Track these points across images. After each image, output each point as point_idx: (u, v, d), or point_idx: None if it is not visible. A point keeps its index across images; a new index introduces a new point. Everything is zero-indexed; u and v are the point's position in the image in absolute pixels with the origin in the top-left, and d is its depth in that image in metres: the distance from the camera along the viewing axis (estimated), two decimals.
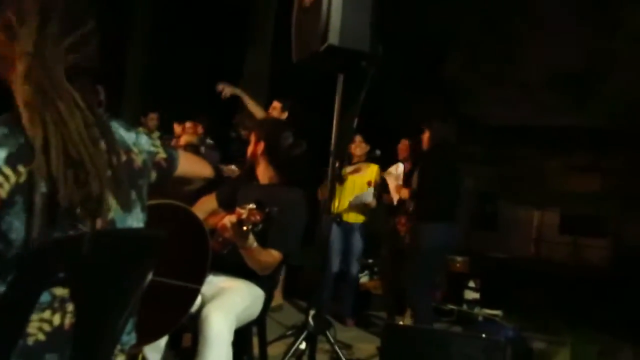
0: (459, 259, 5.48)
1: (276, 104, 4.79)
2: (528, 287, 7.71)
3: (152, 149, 1.35)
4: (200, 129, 5.64)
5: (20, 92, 1.08)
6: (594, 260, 16.02)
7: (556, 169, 16.43)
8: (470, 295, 5.20)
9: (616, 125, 12.06)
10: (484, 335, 2.73)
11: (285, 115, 4.67)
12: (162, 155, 1.38)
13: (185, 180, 1.53)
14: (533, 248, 18.96)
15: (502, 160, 15.43)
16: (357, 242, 4.72)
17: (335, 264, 4.63)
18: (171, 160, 1.41)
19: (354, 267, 4.76)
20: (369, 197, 4.63)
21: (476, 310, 5.05)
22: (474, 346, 2.60)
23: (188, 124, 5.71)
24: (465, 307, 5.08)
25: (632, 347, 4.47)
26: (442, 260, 4.52)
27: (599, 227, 17.01)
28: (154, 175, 1.34)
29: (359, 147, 4.72)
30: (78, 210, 1.09)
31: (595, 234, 17.13)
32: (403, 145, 4.92)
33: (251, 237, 2.10)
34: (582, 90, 12.16)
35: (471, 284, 5.25)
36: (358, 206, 4.68)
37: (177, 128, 5.89)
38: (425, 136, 4.07)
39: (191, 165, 1.53)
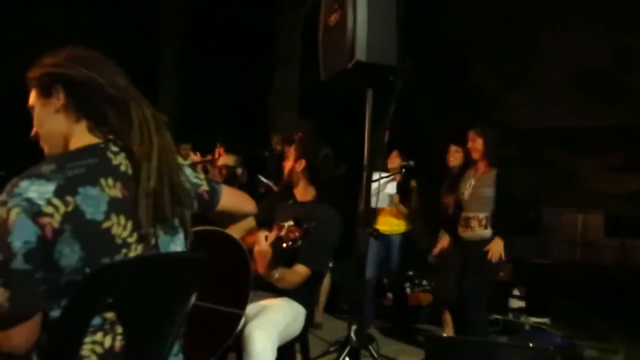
0: None
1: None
2: (576, 293, 7.47)
3: (195, 180, 1.44)
4: (221, 150, 5.69)
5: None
6: None
7: (594, 170, 16.01)
8: (515, 303, 5.07)
9: None
10: (531, 345, 2.67)
11: None
12: (204, 187, 1.47)
13: (228, 214, 1.59)
14: (579, 252, 18.38)
15: (537, 163, 15.16)
16: (395, 254, 4.71)
17: (368, 273, 4.56)
18: (213, 193, 1.49)
19: (393, 278, 4.76)
20: (392, 189, 4.59)
21: (522, 318, 4.92)
22: (522, 356, 2.54)
23: (221, 148, 5.79)
24: (510, 316, 4.96)
25: None
26: None
27: None
28: (196, 205, 1.41)
29: (394, 161, 4.70)
30: (131, 236, 1.15)
31: None
32: (456, 152, 4.50)
33: (274, 271, 2.20)
34: (611, 88, 11.85)
35: (516, 292, 5.12)
36: (392, 209, 4.68)
37: (195, 156, 5.99)
38: (476, 144, 3.76)
39: (234, 201, 1.60)
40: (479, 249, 3.62)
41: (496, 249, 3.57)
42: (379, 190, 4.34)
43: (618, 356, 4.23)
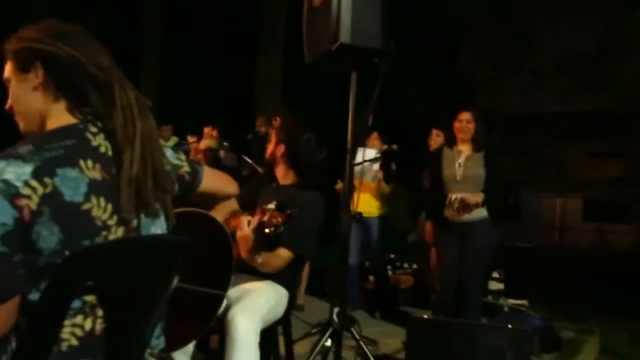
0: None
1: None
2: (553, 276, 7.62)
3: (176, 162, 1.42)
4: (215, 134, 5.71)
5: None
6: (620, 246, 15.75)
7: (576, 156, 16.25)
8: (495, 285, 5.15)
9: (634, 108, 11.88)
10: (510, 326, 2.72)
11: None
12: (185, 169, 1.44)
13: (210, 196, 1.57)
14: (557, 236, 18.72)
15: (521, 149, 15.30)
16: (375, 237, 4.74)
17: (352, 258, 4.58)
18: (195, 175, 1.47)
19: (374, 262, 4.90)
20: (376, 166, 4.60)
21: (501, 300, 5.00)
22: (501, 337, 2.59)
23: (206, 129, 5.79)
24: (490, 298, 5.04)
25: None
26: None
27: (623, 213, 16.72)
28: (177, 187, 1.39)
29: (373, 144, 4.70)
30: (111, 218, 1.14)
31: (620, 219, 16.84)
32: (437, 136, 4.56)
33: (257, 256, 2.19)
34: (598, 75, 12.00)
35: (495, 274, 5.20)
36: (372, 187, 4.70)
37: (190, 138, 5.99)
38: (470, 125, 3.67)
39: (216, 182, 1.59)
40: (475, 232, 3.54)
41: (474, 197, 3.49)
42: (363, 158, 4.35)
43: (594, 337, 4.33)
